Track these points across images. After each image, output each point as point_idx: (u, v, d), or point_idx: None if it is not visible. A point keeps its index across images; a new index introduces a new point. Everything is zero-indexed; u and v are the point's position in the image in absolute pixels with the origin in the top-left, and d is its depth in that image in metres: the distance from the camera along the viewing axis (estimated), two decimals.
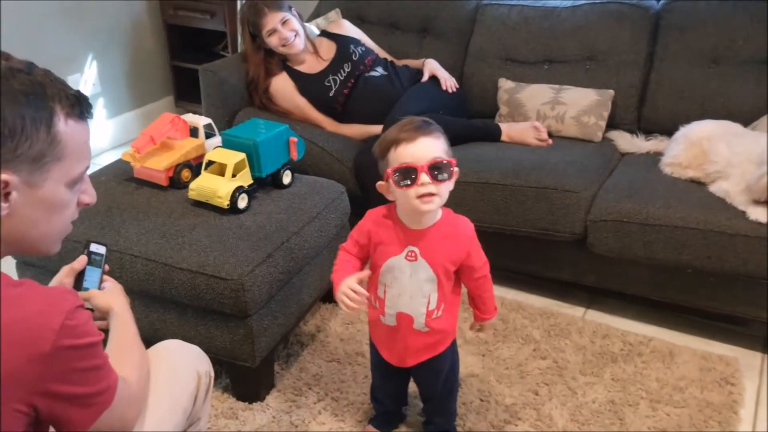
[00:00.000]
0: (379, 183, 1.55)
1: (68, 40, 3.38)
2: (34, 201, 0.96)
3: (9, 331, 0.86)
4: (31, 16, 3.16)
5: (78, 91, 1.01)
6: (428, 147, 1.47)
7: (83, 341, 0.94)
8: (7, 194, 0.92)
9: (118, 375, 1.05)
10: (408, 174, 1.46)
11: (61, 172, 0.97)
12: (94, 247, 1.37)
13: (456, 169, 1.51)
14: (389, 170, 1.50)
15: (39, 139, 0.93)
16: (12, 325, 0.87)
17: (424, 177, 1.45)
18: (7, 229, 0.95)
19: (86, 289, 1.32)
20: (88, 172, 1.08)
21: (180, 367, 1.32)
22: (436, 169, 1.46)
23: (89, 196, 1.09)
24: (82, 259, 1.33)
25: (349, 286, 1.53)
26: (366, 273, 1.61)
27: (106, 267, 1.39)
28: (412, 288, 1.58)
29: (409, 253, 1.57)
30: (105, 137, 3.68)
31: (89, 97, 3.31)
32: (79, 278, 1.34)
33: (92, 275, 1.35)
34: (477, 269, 1.62)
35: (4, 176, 0.90)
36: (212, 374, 1.40)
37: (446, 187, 1.50)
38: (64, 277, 1.33)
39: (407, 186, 1.47)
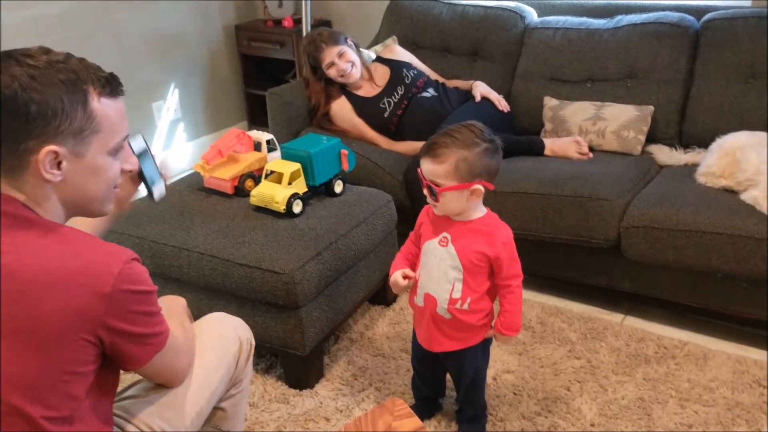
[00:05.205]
0: None
1: (153, 71, 3.74)
2: (82, 168, 1.15)
3: (78, 275, 1.08)
4: (123, 49, 3.53)
5: (109, 73, 1.17)
6: (428, 169, 1.67)
7: (138, 287, 1.14)
8: (59, 163, 1.12)
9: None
10: (420, 181, 1.71)
11: (100, 142, 1.16)
12: (135, 145, 1.39)
13: (478, 187, 1.66)
14: (419, 169, 1.72)
15: (77, 116, 1.11)
16: (80, 271, 1.09)
17: (425, 190, 1.70)
18: (65, 194, 1.16)
19: (150, 178, 1.44)
20: None
21: (224, 331, 1.52)
22: (429, 188, 1.68)
23: (131, 164, 1.27)
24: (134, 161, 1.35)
25: (394, 276, 1.80)
26: (410, 272, 1.80)
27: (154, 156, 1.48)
28: (439, 271, 1.75)
29: (443, 239, 1.74)
30: (185, 158, 4.01)
31: (172, 121, 3.56)
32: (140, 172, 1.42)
33: (148, 166, 1.45)
34: (503, 276, 1.73)
35: (54, 147, 1.10)
36: (253, 343, 1.58)
37: (450, 198, 1.67)
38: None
39: (422, 187, 1.72)
